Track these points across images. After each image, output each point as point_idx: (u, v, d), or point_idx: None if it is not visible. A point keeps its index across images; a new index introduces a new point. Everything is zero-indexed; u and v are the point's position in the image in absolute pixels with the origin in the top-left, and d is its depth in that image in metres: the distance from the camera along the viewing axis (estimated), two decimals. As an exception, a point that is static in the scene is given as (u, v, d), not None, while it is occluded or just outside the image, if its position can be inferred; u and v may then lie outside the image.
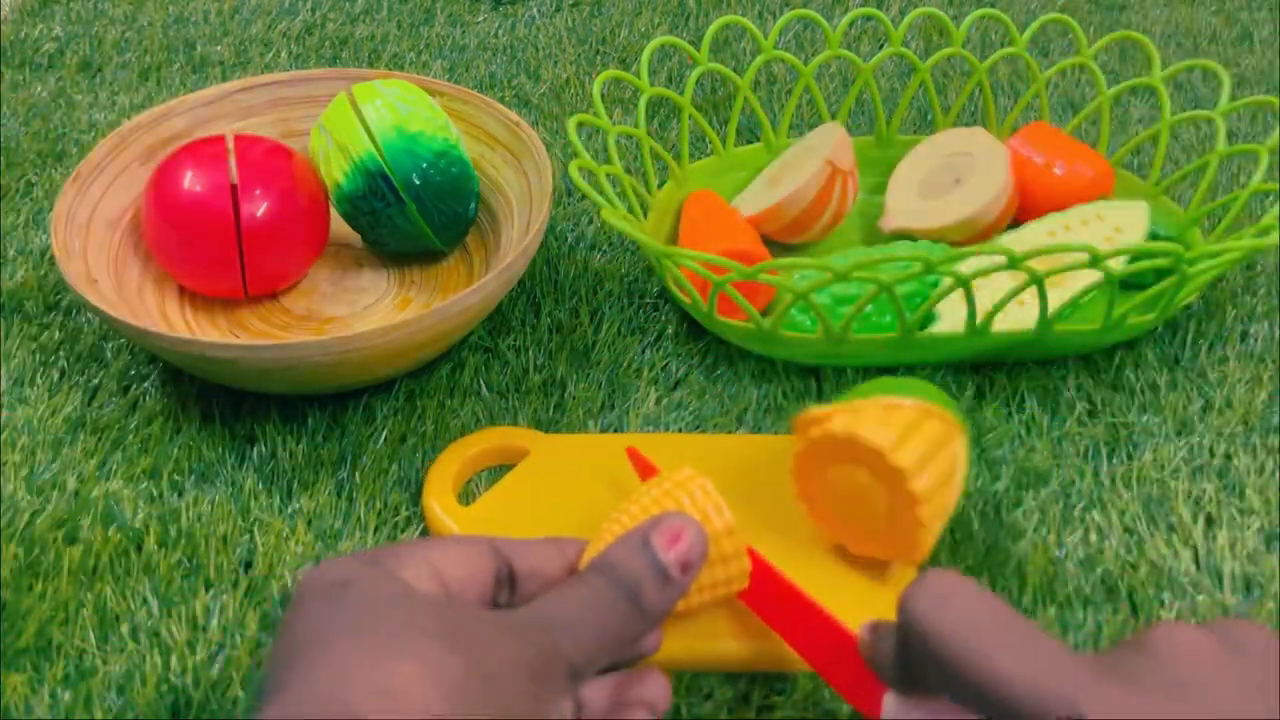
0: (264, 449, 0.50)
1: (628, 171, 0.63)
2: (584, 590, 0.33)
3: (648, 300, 0.58)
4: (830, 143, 0.59)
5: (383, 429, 0.50)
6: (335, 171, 0.55)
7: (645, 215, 0.61)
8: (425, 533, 0.46)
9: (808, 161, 0.59)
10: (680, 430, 0.51)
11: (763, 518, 0.45)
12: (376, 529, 0.46)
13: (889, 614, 0.41)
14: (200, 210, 0.53)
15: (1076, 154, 0.61)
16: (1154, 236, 0.57)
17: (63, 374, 0.53)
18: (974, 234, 0.59)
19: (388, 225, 0.56)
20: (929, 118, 0.72)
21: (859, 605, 0.42)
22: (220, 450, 0.50)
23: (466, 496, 0.48)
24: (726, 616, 0.42)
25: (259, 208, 0.54)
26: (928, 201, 0.60)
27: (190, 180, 0.53)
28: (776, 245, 0.61)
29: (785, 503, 0.46)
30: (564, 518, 0.45)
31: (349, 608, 0.30)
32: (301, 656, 0.29)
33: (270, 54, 0.80)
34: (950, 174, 0.61)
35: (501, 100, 0.74)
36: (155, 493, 0.48)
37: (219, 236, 0.53)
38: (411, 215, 0.55)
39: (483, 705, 0.29)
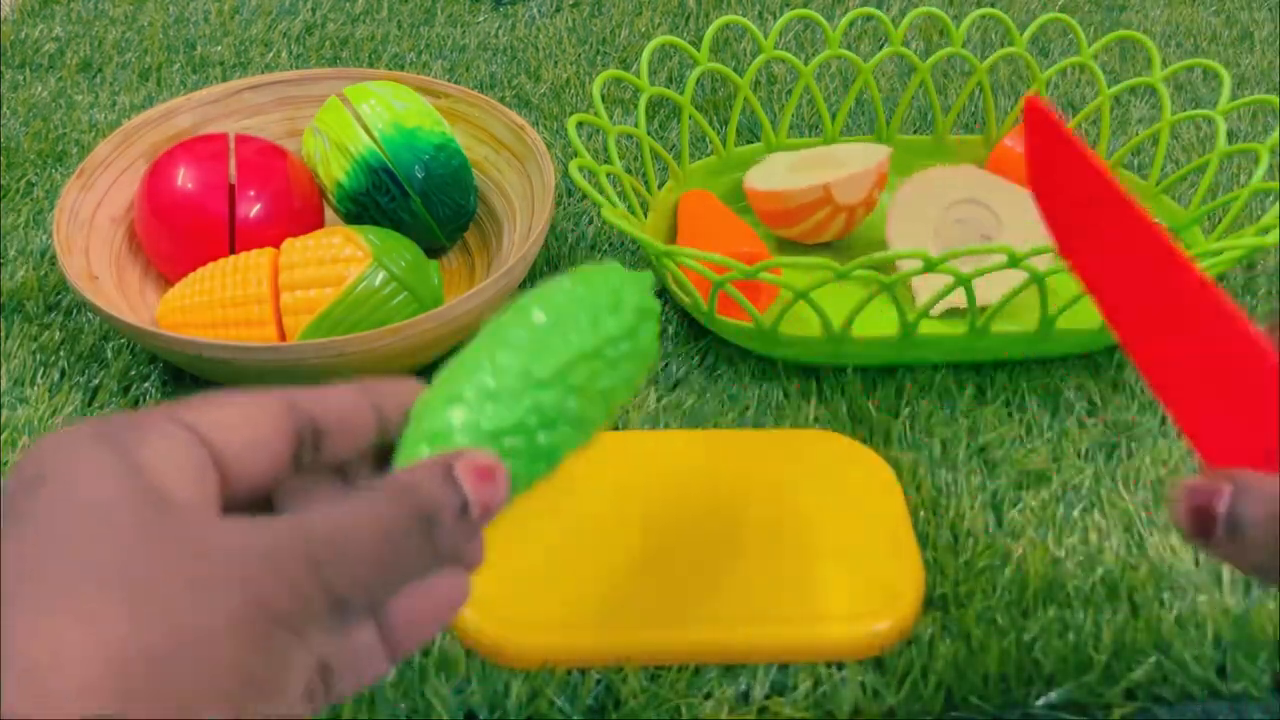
0: (264, 449, 0.49)
1: (628, 171, 0.63)
2: (370, 510, 0.28)
3: (648, 300, 0.58)
4: (852, 170, 0.58)
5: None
6: (335, 171, 0.55)
7: (645, 215, 0.61)
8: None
9: (824, 170, 0.59)
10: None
11: (763, 512, 0.45)
12: (376, 529, 0.46)
13: (879, 610, 0.41)
14: (196, 209, 0.53)
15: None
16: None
17: (63, 374, 0.53)
18: None
19: (393, 221, 0.56)
20: (929, 118, 0.72)
21: (854, 603, 0.42)
22: (220, 450, 0.49)
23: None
24: (725, 607, 0.42)
25: (253, 208, 0.54)
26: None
27: (188, 179, 0.53)
28: (781, 243, 0.61)
29: (785, 497, 0.46)
30: (564, 516, 0.45)
31: (26, 524, 0.24)
32: None
33: (270, 54, 0.80)
34: (974, 231, 0.58)
35: (501, 100, 0.74)
36: (155, 493, 0.47)
37: (213, 236, 0.53)
38: (417, 209, 0.55)
39: (175, 681, 0.23)
